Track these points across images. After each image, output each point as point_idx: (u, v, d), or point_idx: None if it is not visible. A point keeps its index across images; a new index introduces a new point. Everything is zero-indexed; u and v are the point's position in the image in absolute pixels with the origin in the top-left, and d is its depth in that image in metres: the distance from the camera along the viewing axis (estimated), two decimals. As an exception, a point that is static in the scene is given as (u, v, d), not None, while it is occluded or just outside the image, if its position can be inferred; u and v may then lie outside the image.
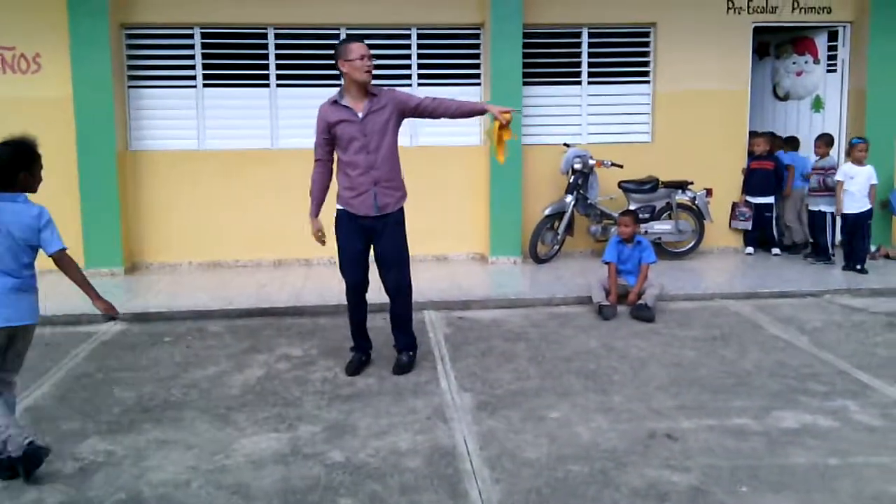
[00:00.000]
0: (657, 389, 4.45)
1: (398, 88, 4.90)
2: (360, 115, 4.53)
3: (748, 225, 8.42)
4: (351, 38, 4.69)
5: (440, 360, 5.04)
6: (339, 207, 4.69)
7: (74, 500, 3.21)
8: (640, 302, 6.06)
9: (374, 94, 4.58)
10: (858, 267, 7.35)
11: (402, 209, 4.75)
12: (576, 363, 4.93)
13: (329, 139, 4.61)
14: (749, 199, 8.41)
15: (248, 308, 6.22)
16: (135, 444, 3.76)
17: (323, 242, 4.78)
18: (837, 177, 7.47)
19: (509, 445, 3.70)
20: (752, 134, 8.60)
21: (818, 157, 7.92)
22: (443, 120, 4.88)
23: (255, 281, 7.29)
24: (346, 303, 4.89)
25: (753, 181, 8.37)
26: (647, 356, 5.07)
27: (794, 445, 3.67)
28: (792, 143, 8.66)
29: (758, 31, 8.56)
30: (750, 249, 8.48)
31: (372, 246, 4.74)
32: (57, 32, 7.50)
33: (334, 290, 6.82)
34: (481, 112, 4.79)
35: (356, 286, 4.79)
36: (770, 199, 8.34)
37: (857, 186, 7.33)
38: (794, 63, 8.88)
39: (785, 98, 9.10)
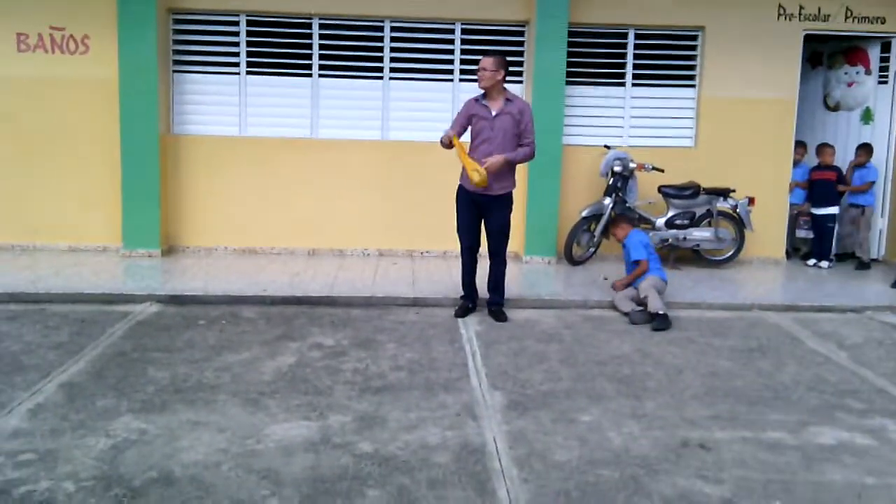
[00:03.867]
0: (692, 398, 4.38)
1: (524, 102, 5.76)
2: (494, 113, 5.54)
3: (810, 233, 8.42)
4: (484, 54, 5.69)
5: (472, 356, 5.01)
6: (460, 183, 5.75)
7: (107, 476, 3.24)
8: (649, 312, 5.92)
9: (510, 99, 5.57)
10: None
11: (508, 194, 5.73)
12: (609, 367, 4.87)
13: (465, 124, 5.68)
14: (813, 210, 8.32)
15: (282, 296, 6.25)
16: (167, 423, 3.79)
17: (445, 144, 5.53)
18: None
19: (539, 446, 3.66)
20: (798, 143, 8.43)
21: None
22: None
23: (290, 269, 7.33)
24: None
25: (815, 192, 8.31)
26: (682, 364, 4.99)
27: (829, 462, 3.59)
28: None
29: (812, 40, 8.38)
30: (816, 262, 8.32)
31: (482, 218, 5.80)
32: (106, 15, 7.62)
33: (367, 281, 6.84)
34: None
35: (470, 248, 5.90)
36: (832, 210, 8.20)
37: None
38: (845, 73, 8.67)
39: (835, 108, 8.89)
